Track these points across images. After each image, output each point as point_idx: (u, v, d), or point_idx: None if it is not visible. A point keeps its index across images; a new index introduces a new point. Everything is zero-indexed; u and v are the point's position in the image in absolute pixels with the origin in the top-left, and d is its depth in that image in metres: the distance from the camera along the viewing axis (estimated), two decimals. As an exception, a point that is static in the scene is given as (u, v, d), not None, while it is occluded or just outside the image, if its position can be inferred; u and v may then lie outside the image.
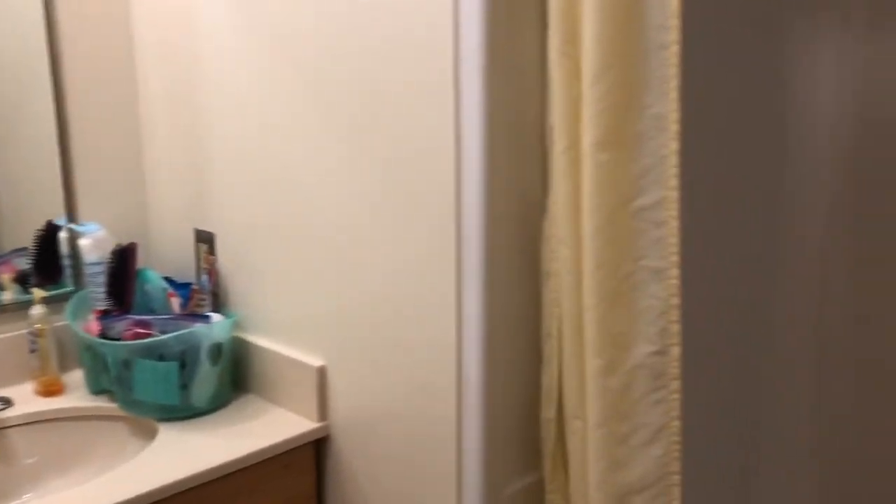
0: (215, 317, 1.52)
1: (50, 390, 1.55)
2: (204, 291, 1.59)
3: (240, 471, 1.34)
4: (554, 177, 1.16)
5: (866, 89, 1.70)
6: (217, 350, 1.49)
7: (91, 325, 1.52)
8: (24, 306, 1.59)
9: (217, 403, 1.52)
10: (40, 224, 1.63)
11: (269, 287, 1.52)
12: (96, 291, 1.57)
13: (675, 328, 1.07)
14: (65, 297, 1.62)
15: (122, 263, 1.56)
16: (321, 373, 1.42)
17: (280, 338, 1.52)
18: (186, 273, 1.67)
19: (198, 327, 1.47)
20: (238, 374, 1.59)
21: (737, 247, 1.70)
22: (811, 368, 1.83)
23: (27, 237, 1.62)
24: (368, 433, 1.38)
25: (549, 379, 1.23)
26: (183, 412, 1.47)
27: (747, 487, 1.88)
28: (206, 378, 1.48)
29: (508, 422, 1.25)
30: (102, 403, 1.51)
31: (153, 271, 1.65)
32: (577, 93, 1.08)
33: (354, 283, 1.35)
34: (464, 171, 1.15)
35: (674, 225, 1.05)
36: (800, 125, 1.78)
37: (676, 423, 1.07)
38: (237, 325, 1.57)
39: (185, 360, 1.45)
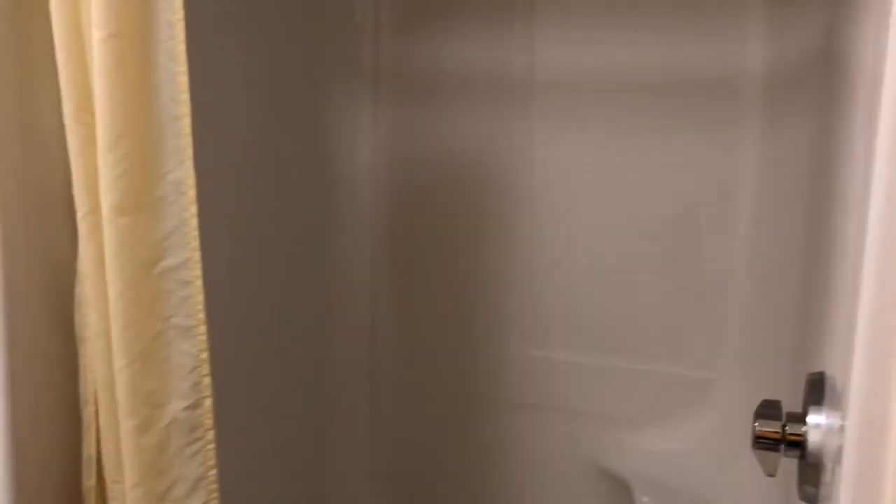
0: None
1: None
2: None
3: None
4: (80, 242, 1.15)
5: (396, 149, 1.98)
6: None
7: None
8: None
9: None
10: None
11: None
12: None
13: (207, 381, 1.13)
14: None
15: None
16: None
17: None
18: None
19: None
20: None
21: (277, 297, 1.82)
22: (365, 387, 2.05)
23: None
24: None
25: (88, 447, 1.20)
26: None
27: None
28: None
29: (48, 498, 1.20)
30: None
31: None
32: (94, 158, 1.10)
33: None
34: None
35: (198, 284, 1.11)
36: (342, 181, 1.99)
37: (213, 472, 1.13)
38: None
39: None
